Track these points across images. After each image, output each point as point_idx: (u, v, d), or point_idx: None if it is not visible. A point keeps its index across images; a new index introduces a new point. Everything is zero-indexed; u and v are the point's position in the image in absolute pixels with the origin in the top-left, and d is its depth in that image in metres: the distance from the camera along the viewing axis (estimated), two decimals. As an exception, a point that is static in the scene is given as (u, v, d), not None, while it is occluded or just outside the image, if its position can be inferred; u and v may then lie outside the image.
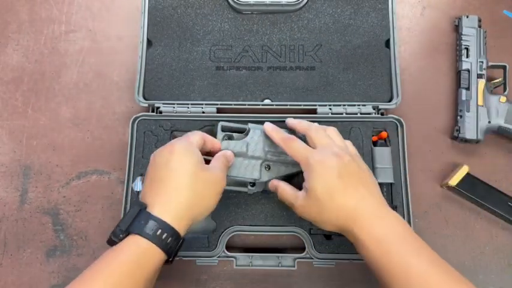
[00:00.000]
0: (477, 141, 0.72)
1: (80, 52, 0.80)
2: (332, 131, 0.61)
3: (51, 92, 0.78)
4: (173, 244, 0.51)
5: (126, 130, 0.75)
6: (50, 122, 0.77)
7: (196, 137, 0.58)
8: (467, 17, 0.77)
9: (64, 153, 0.75)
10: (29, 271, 0.70)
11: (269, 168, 0.65)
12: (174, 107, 0.72)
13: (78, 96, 0.78)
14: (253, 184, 0.66)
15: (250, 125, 0.66)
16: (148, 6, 0.76)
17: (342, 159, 0.55)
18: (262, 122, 0.69)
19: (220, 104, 0.72)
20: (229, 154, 0.61)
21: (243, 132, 0.67)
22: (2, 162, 0.75)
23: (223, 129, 0.67)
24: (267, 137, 0.65)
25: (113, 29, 0.81)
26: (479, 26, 0.77)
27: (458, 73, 0.76)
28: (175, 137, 0.69)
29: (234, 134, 0.66)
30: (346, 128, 0.71)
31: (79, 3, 0.83)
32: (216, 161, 0.58)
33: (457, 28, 0.79)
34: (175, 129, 0.71)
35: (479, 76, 0.74)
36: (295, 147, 0.58)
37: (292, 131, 0.64)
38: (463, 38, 0.76)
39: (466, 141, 0.73)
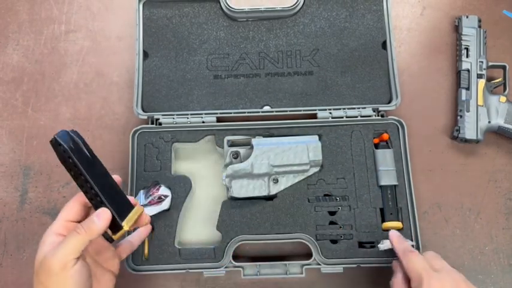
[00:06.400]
0: (477, 141, 0.73)
1: (80, 52, 0.80)
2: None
3: (51, 92, 0.78)
4: None
5: (126, 130, 0.75)
6: (50, 122, 0.77)
7: (56, 223, 0.52)
8: (467, 17, 0.77)
9: (64, 153, 0.75)
10: (28, 271, 0.70)
11: (277, 181, 0.68)
12: (173, 118, 0.72)
13: (78, 96, 0.78)
14: (268, 198, 0.68)
15: (253, 141, 0.68)
16: (143, 18, 0.76)
17: None
18: (263, 130, 0.71)
19: (220, 113, 0.72)
20: (85, 224, 0.50)
21: (249, 144, 0.68)
22: (2, 162, 0.75)
23: (230, 144, 0.69)
24: (271, 151, 0.67)
25: (113, 29, 0.81)
26: (479, 26, 0.77)
27: (458, 73, 0.76)
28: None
29: (241, 150, 0.68)
30: (347, 131, 0.71)
31: (79, 3, 0.83)
32: (65, 239, 0.50)
33: (457, 28, 0.79)
34: (176, 140, 0.71)
35: (479, 76, 0.74)
36: (414, 261, 0.56)
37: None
38: (463, 38, 0.76)
39: (466, 141, 0.73)
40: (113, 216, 0.51)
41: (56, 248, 0.49)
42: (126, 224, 0.51)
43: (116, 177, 0.55)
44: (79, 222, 0.54)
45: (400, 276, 0.58)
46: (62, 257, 0.48)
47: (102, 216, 0.50)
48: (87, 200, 0.53)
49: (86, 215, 0.55)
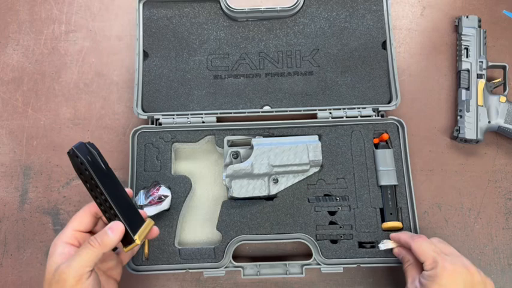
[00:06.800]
0: (477, 141, 0.73)
1: (80, 52, 0.80)
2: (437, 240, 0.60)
3: (51, 92, 0.78)
4: None
5: (126, 130, 0.76)
6: (50, 122, 0.77)
7: (66, 232, 0.53)
8: (467, 17, 0.77)
9: (64, 153, 0.75)
10: (29, 271, 0.70)
11: (277, 181, 0.68)
12: (173, 118, 0.72)
13: (78, 96, 0.78)
14: (268, 198, 0.68)
15: (253, 141, 0.68)
16: (143, 18, 0.76)
17: (472, 277, 0.55)
18: (263, 130, 0.71)
19: (220, 113, 0.72)
20: (99, 236, 0.51)
21: (249, 144, 0.68)
22: (2, 162, 0.75)
23: (230, 145, 0.69)
24: (271, 151, 0.67)
25: (113, 29, 0.81)
26: (479, 26, 0.77)
27: (458, 73, 0.76)
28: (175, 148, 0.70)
29: (241, 150, 0.68)
30: (347, 131, 0.71)
31: (79, 3, 0.83)
32: (79, 251, 0.50)
33: (457, 28, 0.79)
34: (176, 140, 0.71)
35: (479, 76, 0.74)
36: (424, 246, 0.57)
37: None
38: (463, 38, 0.76)
39: (466, 141, 0.73)
40: (125, 230, 0.51)
41: (70, 260, 0.49)
42: (138, 238, 0.52)
43: (128, 190, 0.56)
44: (88, 232, 0.54)
45: (411, 261, 0.59)
46: (77, 270, 0.48)
47: (116, 230, 0.50)
48: (97, 211, 0.53)
49: (95, 225, 0.56)
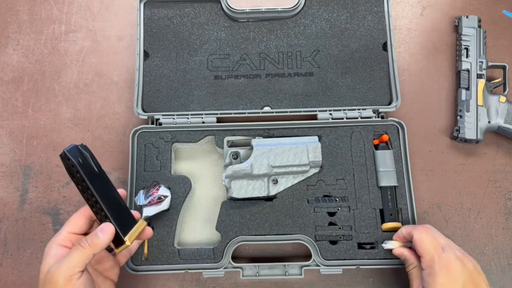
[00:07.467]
0: (477, 141, 0.73)
1: (80, 52, 0.80)
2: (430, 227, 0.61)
3: (51, 92, 0.78)
4: None
5: (126, 130, 0.76)
6: (50, 122, 0.77)
7: (60, 234, 0.54)
8: (467, 17, 0.77)
9: (64, 153, 0.75)
10: (29, 271, 0.70)
11: (276, 182, 0.68)
12: (174, 118, 0.72)
13: (78, 96, 0.78)
14: (267, 199, 0.68)
15: (253, 142, 0.68)
16: (144, 18, 0.76)
17: (465, 266, 0.55)
18: (263, 130, 0.71)
19: (220, 114, 0.72)
20: (92, 238, 0.51)
21: (249, 144, 0.69)
22: (2, 162, 0.75)
23: (230, 145, 0.69)
24: (271, 152, 0.67)
25: (113, 29, 0.81)
26: (479, 26, 0.77)
27: (458, 73, 0.76)
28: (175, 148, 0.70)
29: (240, 150, 0.68)
30: (348, 132, 0.71)
31: (79, 3, 0.83)
32: (69, 252, 0.51)
33: (456, 28, 0.79)
34: (176, 140, 0.71)
35: (479, 76, 0.74)
36: (424, 239, 0.57)
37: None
38: (462, 38, 0.76)
39: (465, 141, 0.73)
40: (116, 231, 0.51)
41: (61, 261, 0.50)
42: (128, 240, 0.52)
43: (121, 191, 0.56)
44: (83, 234, 0.55)
45: (416, 263, 0.59)
46: (67, 271, 0.49)
47: (106, 231, 0.51)
48: (91, 213, 0.54)
49: (90, 227, 0.56)
